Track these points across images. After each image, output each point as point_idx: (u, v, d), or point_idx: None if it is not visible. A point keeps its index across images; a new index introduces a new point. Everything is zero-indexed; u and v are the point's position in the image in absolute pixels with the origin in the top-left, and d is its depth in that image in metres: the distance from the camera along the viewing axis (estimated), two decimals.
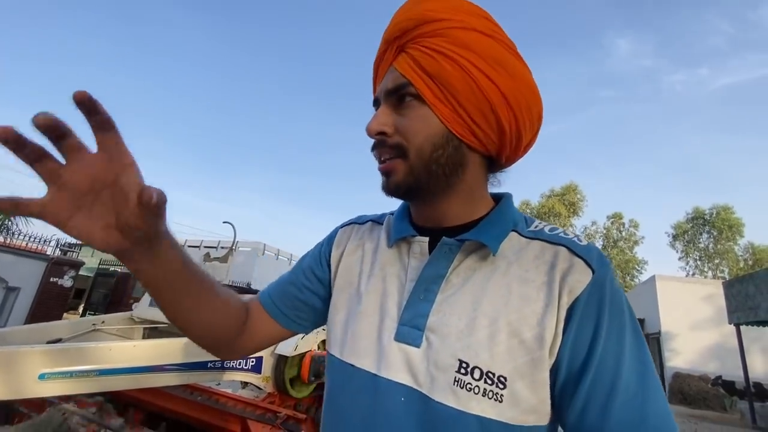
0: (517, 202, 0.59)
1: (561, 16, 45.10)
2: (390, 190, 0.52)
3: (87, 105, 0.34)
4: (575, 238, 0.50)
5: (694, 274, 25.16)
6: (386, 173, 0.52)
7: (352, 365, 0.51)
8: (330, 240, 0.66)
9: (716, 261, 24.99)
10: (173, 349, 1.63)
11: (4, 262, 7.82)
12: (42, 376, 1.30)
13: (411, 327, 0.49)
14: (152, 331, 2.36)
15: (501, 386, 0.44)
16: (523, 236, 0.52)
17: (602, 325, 0.44)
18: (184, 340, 1.64)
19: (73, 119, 0.35)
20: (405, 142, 0.50)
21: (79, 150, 0.37)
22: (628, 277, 25.38)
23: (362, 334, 0.52)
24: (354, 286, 0.58)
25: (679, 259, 26.60)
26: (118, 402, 1.93)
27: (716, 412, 9.87)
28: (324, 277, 0.63)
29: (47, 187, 0.37)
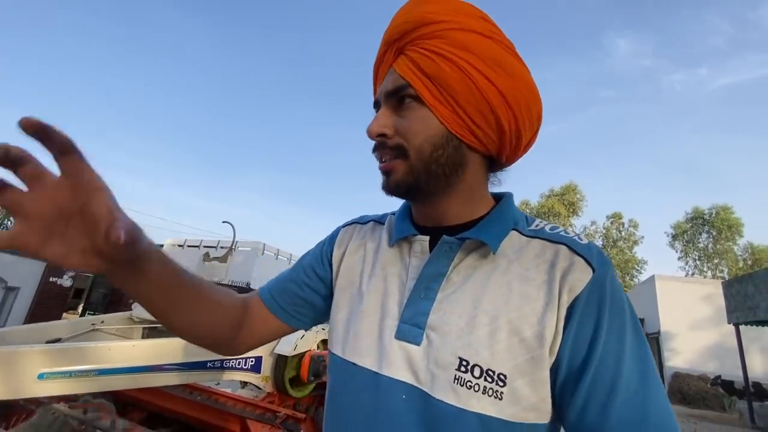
0: (516, 202, 0.59)
1: (561, 17, 45.15)
2: (390, 189, 0.52)
3: (37, 132, 0.32)
4: (576, 237, 0.51)
5: (693, 274, 25.21)
6: (386, 172, 0.52)
7: (354, 364, 0.52)
8: (332, 239, 0.66)
9: (715, 261, 25.04)
10: (172, 348, 1.63)
11: (3, 262, 7.82)
12: (41, 376, 1.30)
13: (411, 325, 0.49)
14: (151, 331, 2.36)
15: (501, 384, 0.44)
16: (523, 235, 0.52)
17: (602, 323, 0.44)
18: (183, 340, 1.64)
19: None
20: (405, 143, 0.50)
21: (41, 177, 0.35)
22: (628, 277, 25.40)
23: (364, 333, 0.53)
24: (356, 285, 0.58)
25: (679, 258, 26.70)
26: (118, 402, 1.93)
27: (715, 412, 9.88)
28: (325, 276, 0.64)
29: (14, 219, 0.36)
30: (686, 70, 40.48)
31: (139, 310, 2.41)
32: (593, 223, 27.49)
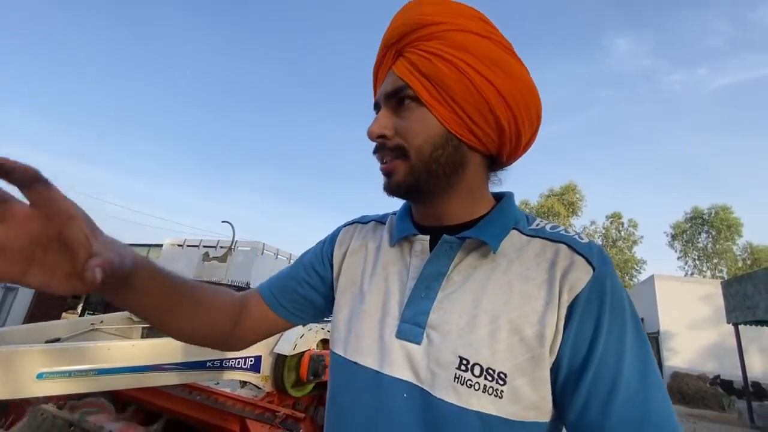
0: (516, 202, 0.59)
1: (561, 17, 45.17)
2: (391, 189, 0.53)
3: None
4: (576, 236, 0.51)
5: (692, 274, 25.23)
6: (387, 173, 0.53)
7: (356, 363, 0.52)
8: (333, 238, 0.67)
9: (715, 261, 25.06)
10: (172, 348, 1.62)
11: None
12: (40, 376, 1.30)
13: (412, 324, 0.49)
14: (150, 331, 2.36)
15: (501, 383, 0.44)
16: (524, 234, 0.52)
17: (603, 322, 0.44)
18: None
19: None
20: (405, 144, 0.50)
21: (10, 209, 0.34)
22: (627, 277, 25.41)
23: (365, 333, 0.53)
24: (357, 285, 0.59)
25: (678, 258, 26.71)
26: (117, 401, 1.93)
27: (714, 412, 9.89)
28: (325, 274, 0.64)
29: None
30: (685, 70, 40.56)
31: None
32: (593, 222, 27.51)
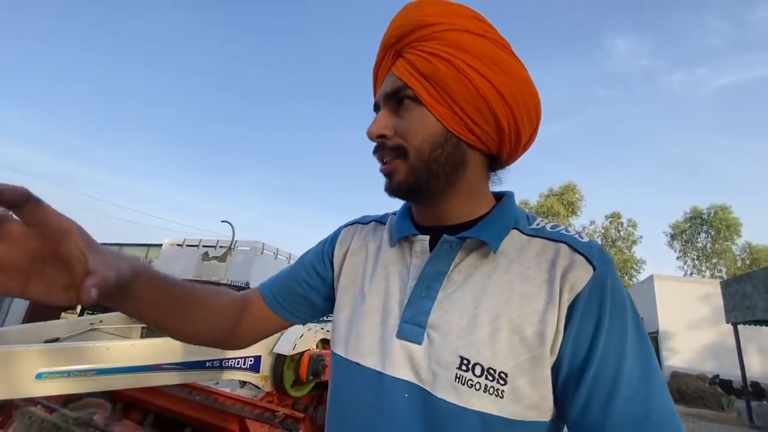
0: (515, 202, 0.59)
1: (561, 17, 45.16)
2: (392, 190, 0.53)
3: None
4: (576, 235, 0.51)
5: (692, 274, 25.26)
6: (388, 174, 0.53)
7: (357, 363, 0.52)
8: (333, 239, 0.67)
9: (714, 260, 25.09)
10: (171, 348, 1.62)
11: None
12: (39, 376, 1.30)
13: (413, 324, 0.49)
14: (150, 330, 2.36)
15: (502, 382, 0.44)
16: (524, 234, 0.52)
17: (603, 321, 0.44)
18: None
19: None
20: (404, 143, 0.51)
21: (3, 226, 0.36)
22: (627, 277, 25.43)
23: (366, 333, 0.53)
24: (358, 285, 0.59)
25: (677, 258, 26.73)
26: (117, 401, 1.92)
27: (713, 411, 9.90)
28: (325, 275, 0.64)
29: None
30: (685, 71, 40.62)
31: None
32: (592, 222, 27.55)
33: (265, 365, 2.04)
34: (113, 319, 2.28)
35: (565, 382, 0.44)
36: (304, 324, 0.72)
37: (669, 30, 39.09)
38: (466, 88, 0.48)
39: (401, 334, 0.50)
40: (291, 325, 0.67)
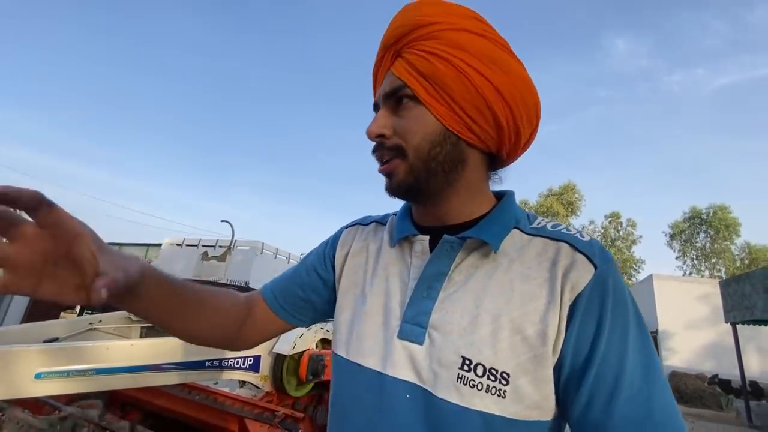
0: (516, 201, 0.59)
1: (560, 17, 45.17)
2: (392, 190, 0.53)
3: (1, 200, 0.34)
4: (577, 234, 0.50)
5: (691, 274, 25.30)
6: (388, 174, 0.53)
7: (358, 364, 0.52)
8: (334, 240, 0.67)
9: (713, 260, 25.13)
10: (170, 348, 1.62)
11: None
12: (38, 376, 1.29)
13: (414, 324, 0.49)
14: (149, 330, 2.35)
15: (504, 382, 0.44)
16: (525, 233, 0.52)
17: (605, 321, 0.44)
18: None
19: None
20: (403, 143, 0.51)
21: (19, 229, 0.37)
22: (626, 277, 25.44)
23: (367, 334, 0.53)
24: (359, 287, 0.59)
25: (677, 258, 26.77)
26: (116, 401, 1.92)
27: (712, 411, 9.91)
28: (327, 277, 0.64)
29: (3, 269, 0.38)
30: (684, 71, 40.67)
31: None
32: (591, 222, 27.57)
33: (265, 365, 2.04)
34: (112, 319, 2.28)
35: (567, 382, 0.44)
36: (308, 327, 0.73)
37: (668, 30, 39.19)
38: (465, 86, 0.48)
39: (402, 335, 0.50)
40: (294, 327, 0.67)
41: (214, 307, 0.59)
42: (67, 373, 1.36)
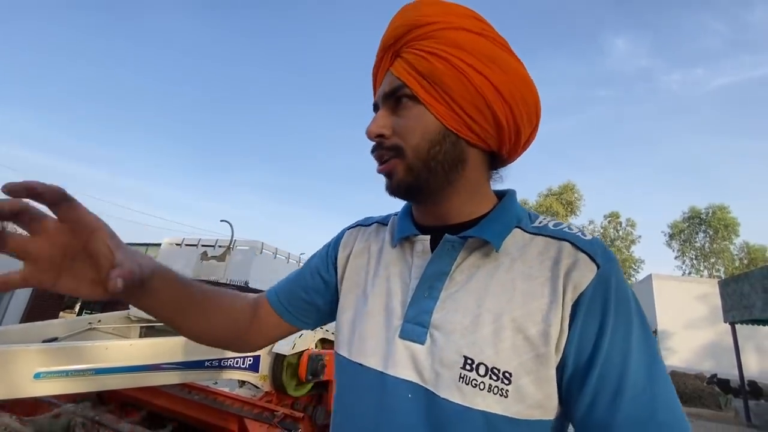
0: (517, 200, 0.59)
1: (560, 17, 45.19)
2: (393, 190, 0.53)
3: (23, 193, 0.35)
4: (579, 233, 0.50)
5: (690, 273, 25.34)
6: (387, 174, 0.53)
7: (361, 364, 0.52)
8: (337, 242, 0.67)
9: (712, 260, 25.16)
10: (170, 347, 1.62)
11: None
12: (37, 376, 1.29)
13: (415, 324, 0.49)
14: (149, 330, 2.35)
15: (506, 382, 0.43)
16: (526, 232, 0.52)
17: (608, 320, 0.43)
18: (181, 338, 1.63)
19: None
20: (402, 142, 0.51)
21: (39, 222, 0.39)
22: (625, 276, 25.37)
23: (369, 334, 0.53)
24: (361, 287, 0.59)
25: (676, 258, 26.80)
26: (116, 402, 1.92)
27: (711, 411, 9.92)
28: (330, 279, 0.64)
29: (23, 262, 0.39)
30: (683, 71, 40.70)
31: (136, 309, 2.40)
32: (591, 222, 27.58)
33: (264, 365, 2.04)
34: (112, 318, 2.28)
35: (570, 382, 0.44)
36: (313, 329, 0.74)
37: (667, 30, 39.23)
38: (464, 85, 0.48)
39: (404, 334, 0.49)
40: (298, 330, 0.67)
41: (222, 308, 0.60)
42: (67, 373, 1.35)
